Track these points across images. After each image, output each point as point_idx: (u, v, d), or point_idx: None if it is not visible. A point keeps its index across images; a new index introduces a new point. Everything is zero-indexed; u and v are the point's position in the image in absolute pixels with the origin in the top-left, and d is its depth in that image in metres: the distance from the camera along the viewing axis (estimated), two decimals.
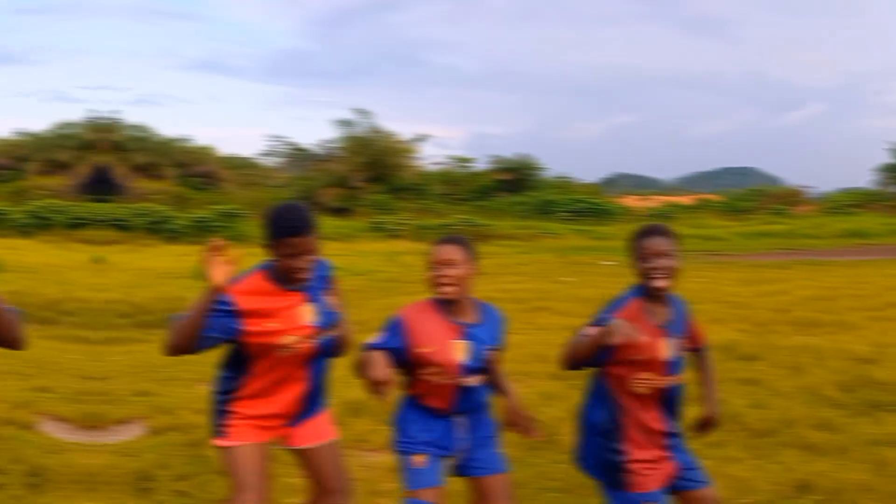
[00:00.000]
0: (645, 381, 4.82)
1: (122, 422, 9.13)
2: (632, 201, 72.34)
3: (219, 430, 5.01)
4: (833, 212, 60.01)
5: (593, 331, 4.70)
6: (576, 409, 8.63)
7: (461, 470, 5.21)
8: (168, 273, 26.38)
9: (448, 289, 4.89)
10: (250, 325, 4.83)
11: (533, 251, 39.85)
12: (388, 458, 7.22)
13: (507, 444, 7.86)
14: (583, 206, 58.74)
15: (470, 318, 5.06)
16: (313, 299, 4.99)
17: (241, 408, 4.97)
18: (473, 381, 5.03)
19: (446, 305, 4.99)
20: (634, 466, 4.83)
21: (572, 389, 9.81)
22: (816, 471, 7.09)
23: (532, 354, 12.13)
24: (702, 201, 68.66)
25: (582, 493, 6.70)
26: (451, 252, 4.92)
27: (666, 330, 4.86)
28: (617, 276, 27.13)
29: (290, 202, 5.04)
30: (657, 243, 4.81)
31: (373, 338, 4.93)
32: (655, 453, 4.88)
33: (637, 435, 4.87)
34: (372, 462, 7.65)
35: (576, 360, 4.84)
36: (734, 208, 62.90)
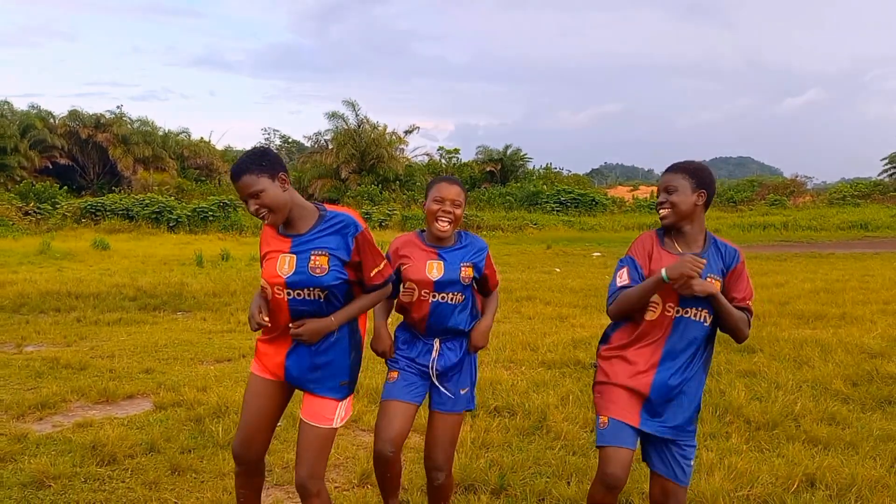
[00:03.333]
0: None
1: (130, 397, 9.53)
2: (621, 192, 72.35)
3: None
4: (836, 203, 59.75)
5: (623, 277, 4.83)
6: (567, 395, 8.53)
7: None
8: (169, 259, 27.75)
9: (445, 224, 5.31)
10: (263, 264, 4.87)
11: (520, 242, 40.01)
12: None
13: (501, 430, 7.89)
14: (570, 196, 58.85)
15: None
16: (297, 252, 4.76)
17: (259, 344, 5.08)
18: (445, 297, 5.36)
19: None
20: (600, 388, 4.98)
21: (563, 377, 10.08)
22: (824, 465, 6.77)
23: (521, 343, 12.20)
24: None
25: (574, 478, 6.62)
26: (457, 192, 5.29)
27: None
28: (604, 267, 27.58)
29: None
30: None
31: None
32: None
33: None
34: (366, 442, 7.72)
35: (629, 311, 4.80)
36: (729, 199, 62.78)
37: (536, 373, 10.41)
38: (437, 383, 5.43)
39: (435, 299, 5.31)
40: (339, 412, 4.89)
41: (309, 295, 4.70)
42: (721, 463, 6.82)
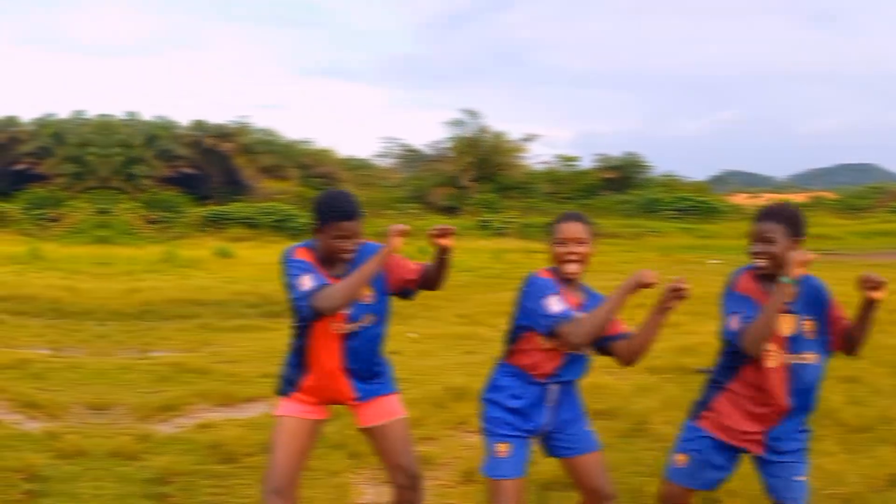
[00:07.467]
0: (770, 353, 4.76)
1: (250, 400, 9.86)
2: (741, 199, 71.46)
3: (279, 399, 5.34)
4: None
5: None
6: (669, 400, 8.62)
7: (552, 451, 5.19)
8: None
9: (574, 266, 4.86)
10: None
11: (638, 250, 39.72)
12: None
13: (602, 431, 7.99)
14: (689, 204, 58.06)
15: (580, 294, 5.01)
16: None
17: (300, 383, 5.29)
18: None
19: (566, 280, 4.92)
20: (707, 413, 5.03)
21: (666, 382, 10.22)
22: None
23: None
24: (815, 199, 67.47)
25: None
26: (579, 230, 4.89)
27: (788, 307, 4.76)
28: (722, 275, 27.13)
29: (338, 189, 5.25)
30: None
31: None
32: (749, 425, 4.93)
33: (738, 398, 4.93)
34: (471, 443, 7.84)
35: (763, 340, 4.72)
36: (850, 206, 61.54)
37: (641, 378, 10.54)
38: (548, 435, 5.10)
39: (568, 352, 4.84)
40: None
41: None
42: (812, 464, 6.94)
